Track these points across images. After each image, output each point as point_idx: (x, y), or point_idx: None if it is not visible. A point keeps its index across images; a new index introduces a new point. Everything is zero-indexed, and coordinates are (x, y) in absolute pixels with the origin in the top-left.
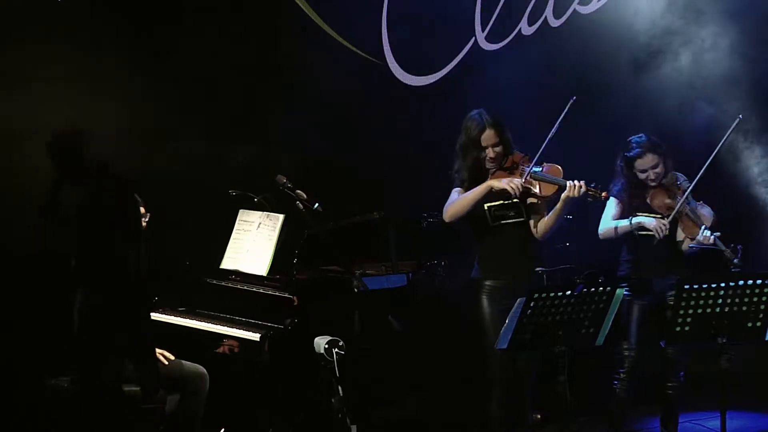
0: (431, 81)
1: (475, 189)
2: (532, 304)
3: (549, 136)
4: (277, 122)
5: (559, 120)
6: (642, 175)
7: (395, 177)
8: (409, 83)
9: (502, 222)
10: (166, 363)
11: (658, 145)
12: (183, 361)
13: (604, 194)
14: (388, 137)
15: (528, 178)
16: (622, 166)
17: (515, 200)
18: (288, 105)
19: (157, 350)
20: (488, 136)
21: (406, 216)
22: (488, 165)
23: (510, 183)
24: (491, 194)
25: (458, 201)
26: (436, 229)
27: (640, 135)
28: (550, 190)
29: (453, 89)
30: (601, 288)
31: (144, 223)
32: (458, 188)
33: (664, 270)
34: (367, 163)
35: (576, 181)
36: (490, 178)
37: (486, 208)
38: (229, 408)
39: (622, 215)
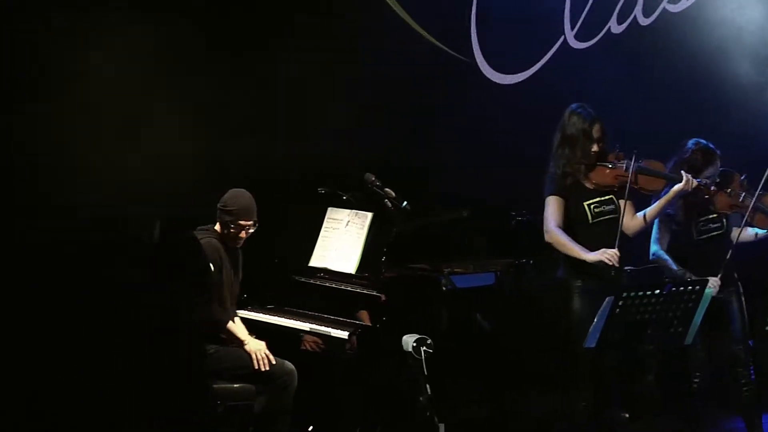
0: (520, 79)
1: (581, 252)
2: (620, 303)
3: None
4: (364, 120)
5: None
6: (707, 181)
7: (483, 175)
8: (497, 81)
9: (601, 219)
10: (267, 368)
11: (716, 148)
12: (277, 358)
13: (713, 188)
14: (477, 135)
15: (632, 172)
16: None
17: (611, 196)
18: (375, 103)
19: (262, 352)
20: (597, 128)
21: (495, 214)
22: (593, 159)
23: (604, 254)
24: (587, 192)
25: (563, 245)
26: (525, 228)
27: (696, 140)
28: (656, 185)
29: (542, 88)
30: (690, 287)
31: (247, 233)
32: (554, 197)
33: (717, 268)
34: (454, 161)
35: (689, 174)
36: (591, 173)
37: (585, 205)
38: (317, 406)
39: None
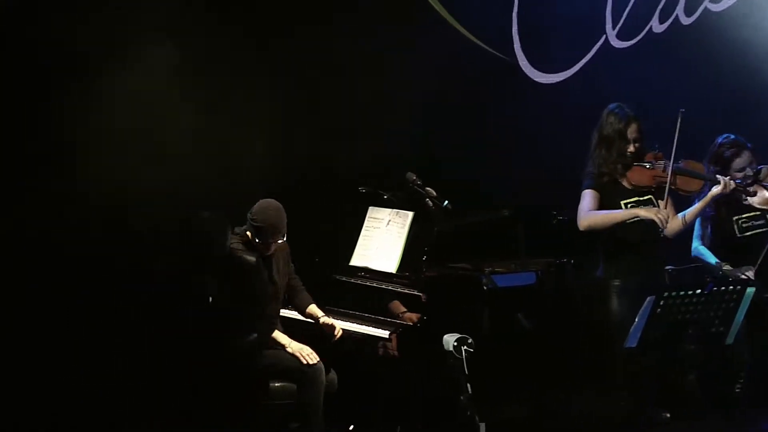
0: (561, 78)
1: (622, 212)
2: (661, 303)
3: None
4: (406, 119)
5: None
6: (739, 175)
7: (524, 174)
8: (538, 80)
9: (637, 220)
10: (314, 362)
11: (746, 141)
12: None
13: (751, 188)
14: (518, 134)
15: (671, 173)
16: (714, 171)
17: (649, 197)
18: (416, 102)
19: (306, 350)
20: (633, 129)
21: (536, 213)
22: (630, 160)
23: (658, 214)
24: (625, 191)
25: (602, 217)
26: (566, 227)
27: (726, 135)
28: (694, 186)
29: (583, 87)
30: (731, 286)
31: (272, 249)
32: (590, 190)
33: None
34: (496, 160)
35: (725, 177)
36: (629, 173)
37: (623, 205)
38: (358, 405)
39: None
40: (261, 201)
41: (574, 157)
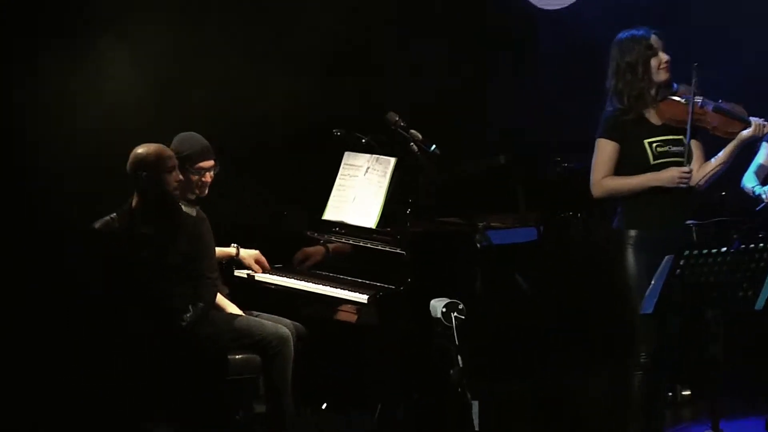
0: (565, 4)
1: (640, 179)
2: (681, 263)
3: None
4: (392, 50)
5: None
6: None
7: (524, 116)
8: (542, 7)
9: (664, 161)
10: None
11: None
12: (264, 321)
13: None
14: (516, 72)
15: (709, 110)
16: None
17: (680, 137)
18: (410, 29)
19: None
20: (662, 46)
21: (537, 161)
22: (662, 76)
23: (680, 176)
24: (652, 129)
25: (618, 184)
26: (572, 176)
27: None
28: (731, 127)
29: (587, 15)
30: (762, 244)
31: (209, 178)
32: (606, 140)
33: None
34: (494, 100)
35: (760, 119)
36: (660, 105)
37: (647, 144)
38: (333, 379)
39: None
40: (178, 135)
41: (582, 97)
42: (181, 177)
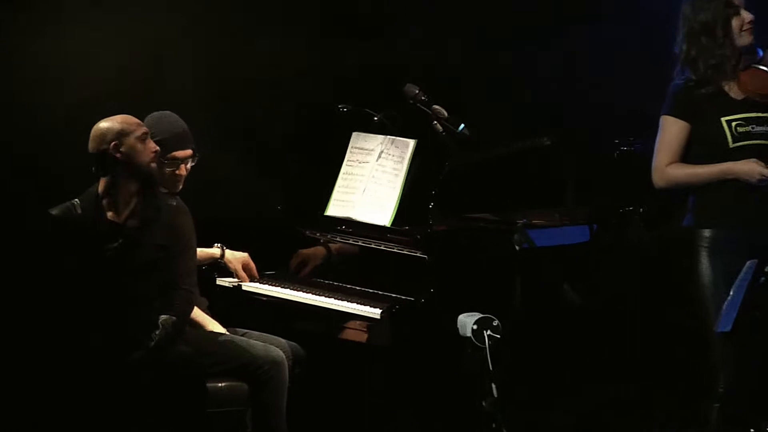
0: None
1: (712, 169)
2: (766, 270)
3: None
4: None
5: None
6: None
7: (574, 91)
8: None
9: (746, 143)
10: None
11: None
12: (253, 341)
13: None
14: (561, 38)
15: None
16: None
17: (766, 113)
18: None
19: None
20: (742, 2)
21: (591, 142)
22: (745, 39)
23: (763, 171)
24: (730, 104)
25: (685, 174)
26: (633, 162)
27: None
28: None
29: None
30: None
31: (184, 171)
32: (672, 117)
33: None
34: (534, 69)
35: None
36: (741, 76)
37: (725, 122)
38: (337, 407)
39: None
40: (150, 115)
41: (644, 70)
42: (157, 147)
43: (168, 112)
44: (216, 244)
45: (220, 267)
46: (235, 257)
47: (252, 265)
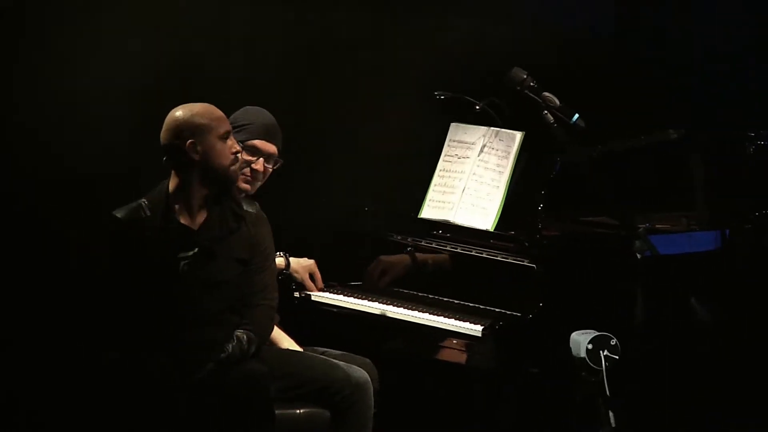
0: None
1: None
2: None
3: None
4: None
5: None
6: None
7: (703, 75)
8: None
9: None
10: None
11: None
12: (333, 361)
13: None
14: (690, 18)
15: None
16: None
17: None
18: None
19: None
20: None
21: (723, 137)
22: None
23: None
24: None
25: None
26: None
27: None
28: None
29: None
30: None
31: (261, 167)
32: None
33: None
34: (661, 43)
35: None
36: None
37: None
38: None
39: None
40: (243, 108)
41: None
42: (238, 148)
43: (263, 108)
44: (279, 253)
45: (285, 277)
46: (302, 266)
47: (318, 273)
